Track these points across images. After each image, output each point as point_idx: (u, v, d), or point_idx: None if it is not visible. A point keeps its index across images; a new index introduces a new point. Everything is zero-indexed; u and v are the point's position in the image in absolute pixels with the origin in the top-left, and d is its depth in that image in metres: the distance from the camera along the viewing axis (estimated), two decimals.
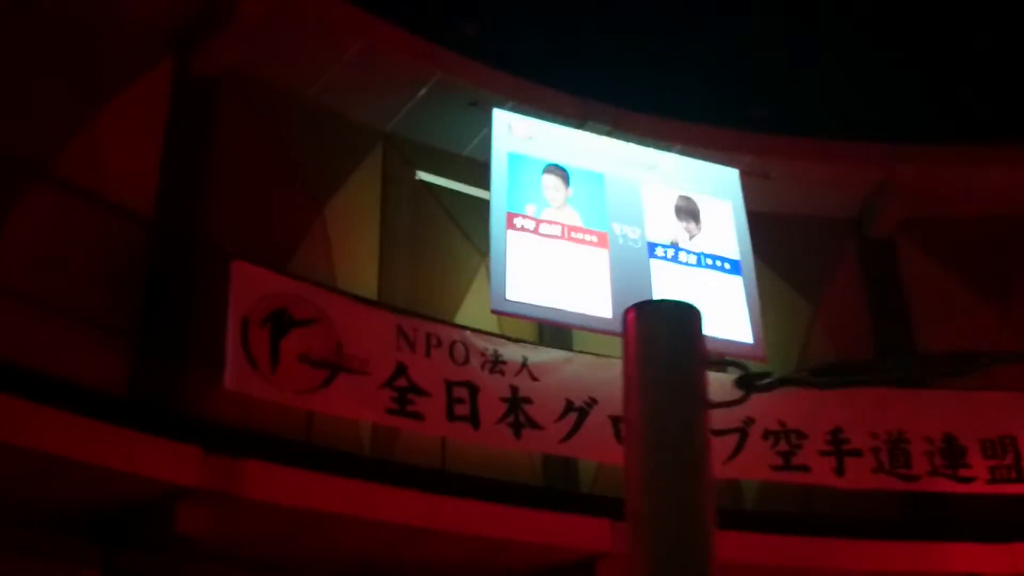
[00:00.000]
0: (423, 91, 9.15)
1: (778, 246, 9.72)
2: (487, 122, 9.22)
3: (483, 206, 9.40)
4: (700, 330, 2.34)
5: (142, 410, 6.15)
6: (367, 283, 8.54)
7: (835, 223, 10.47)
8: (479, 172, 9.46)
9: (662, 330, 2.31)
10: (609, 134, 9.18)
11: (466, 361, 7.44)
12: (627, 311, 2.41)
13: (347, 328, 7.00)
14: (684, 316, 2.36)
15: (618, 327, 7.91)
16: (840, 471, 8.07)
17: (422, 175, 9.44)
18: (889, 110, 9.92)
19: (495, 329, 8.38)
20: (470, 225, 9.33)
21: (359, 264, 8.61)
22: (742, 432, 8.03)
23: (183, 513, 5.91)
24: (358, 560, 7.00)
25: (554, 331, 8.90)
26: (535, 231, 8.16)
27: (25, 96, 6.92)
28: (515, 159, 8.43)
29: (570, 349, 8.46)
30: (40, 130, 6.93)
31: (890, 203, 10.18)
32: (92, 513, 6.00)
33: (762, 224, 9.15)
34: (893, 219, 10.25)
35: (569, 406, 7.63)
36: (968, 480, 8.14)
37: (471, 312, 8.71)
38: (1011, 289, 10.05)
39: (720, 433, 7.95)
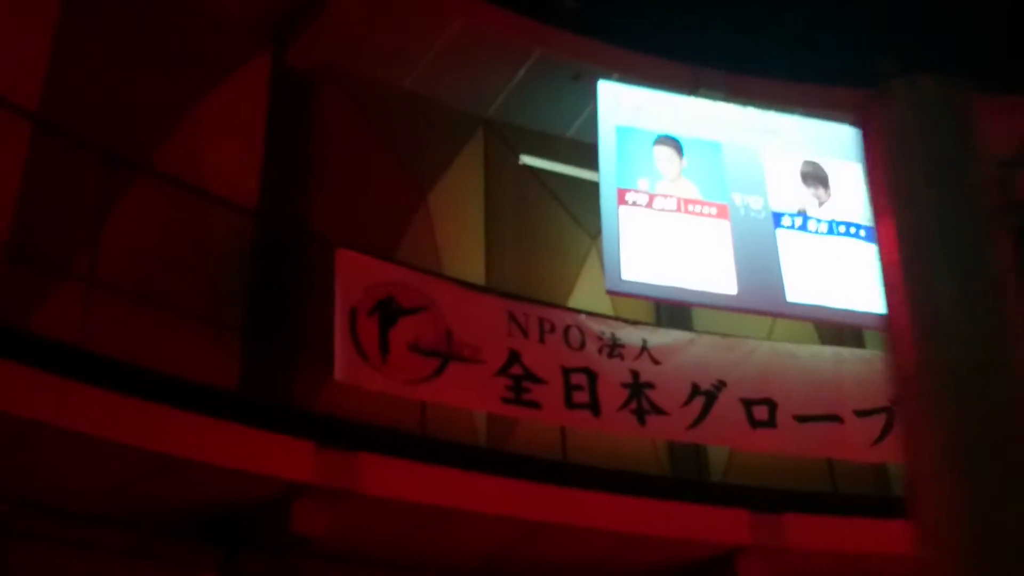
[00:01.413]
0: (523, 71, 8.80)
1: None
2: (591, 99, 8.81)
3: (590, 188, 8.99)
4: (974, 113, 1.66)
5: (254, 405, 5.94)
6: (474, 271, 8.23)
7: None
8: (584, 153, 9.05)
9: (924, 118, 1.60)
10: (723, 101, 8.62)
11: (582, 346, 7.02)
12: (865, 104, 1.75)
13: (456, 315, 6.69)
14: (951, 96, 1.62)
15: (743, 303, 7.38)
16: None
17: (525, 159, 9.08)
18: None
19: (610, 313, 7.94)
20: (578, 207, 8.91)
21: (465, 252, 8.30)
22: (891, 412, 7.35)
23: (299, 511, 5.68)
24: (480, 558, 6.65)
25: (673, 311, 8.41)
26: (648, 206, 7.68)
27: (128, 92, 6.86)
28: (624, 132, 7.97)
29: (691, 329, 7.94)
30: (143, 125, 6.85)
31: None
32: (206, 514, 5.82)
33: None
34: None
35: (695, 390, 7.13)
36: None
37: (584, 297, 8.28)
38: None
39: (864, 414, 7.36)
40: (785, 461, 7.53)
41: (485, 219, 8.61)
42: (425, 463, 6.08)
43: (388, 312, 6.44)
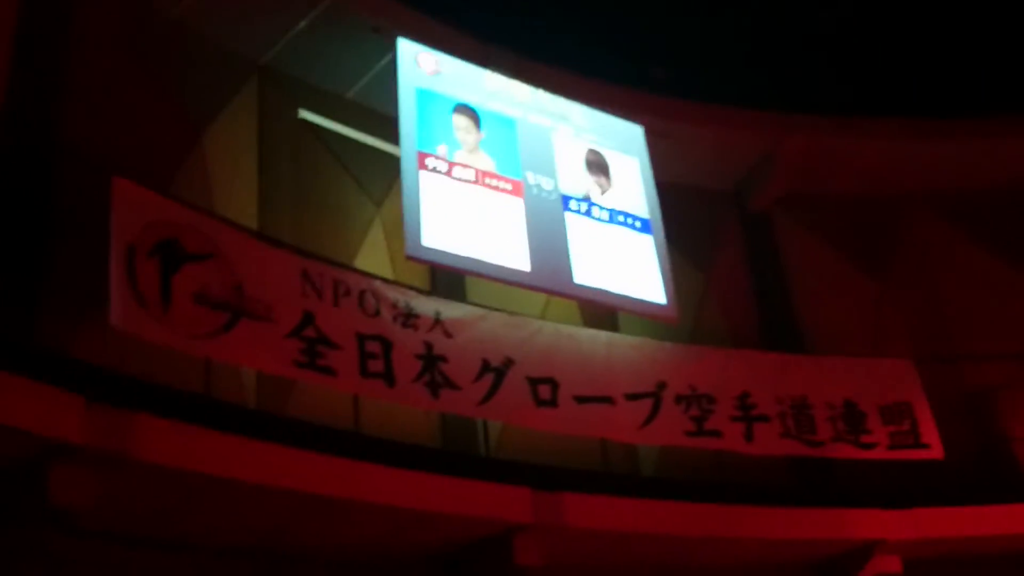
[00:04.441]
0: (307, 19, 8.16)
1: (668, 213, 9.44)
2: (376, 59, 8.45)
3: (374, 154, 8.60)
4: None
5: (2, 343, 4.88)
6: (248, 226, 7.45)
7: (718, 195, 10.37)
8: (367, 116, 8.64)
9: None
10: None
11: (377, 313, 6.58)
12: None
13: (247, 268, 5.99)
14: None
15: (536, 281, 7.36)
16: (750, 436, 7.84)
17: (304, 114, 8.44)
18: (783, 80, 9.90)
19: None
20: (361, 172, 8.43)
21: (240, 204, 7.50)
22: (656, 397, 7.65)
23: (58, 478, 4.74)
24: (258, 535, 5.99)
25: (450, 283, 8.17)
26: (448, 174, 7.41)
27: None
28: (423, 95, 7.65)
29: (465, 301, 7.74)
30: None
31: (772, 176, 10.17)
32: None
33: None
34: (774, 192, 10.26)
35: (486, 366, 6.94)
36: (870, 446, 8.15)
37: (367, 266, 7.78)
38: (890, 263, 10.30)
39: (634, 397, 7.57)
40: (553, 439, 7.55)
41: (260, 173, 7.85)
42: (210, 427, 5.35)
43: (171, 255, 5.61)
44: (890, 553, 7.82)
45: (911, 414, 8.30)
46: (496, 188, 7.59)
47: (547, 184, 7.91)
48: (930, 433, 8.17)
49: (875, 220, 10.40)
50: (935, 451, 8.10)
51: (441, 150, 7.47)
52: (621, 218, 8.29)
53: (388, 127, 7.78)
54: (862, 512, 7.87)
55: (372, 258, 7.96)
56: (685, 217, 9.52)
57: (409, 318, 6.73)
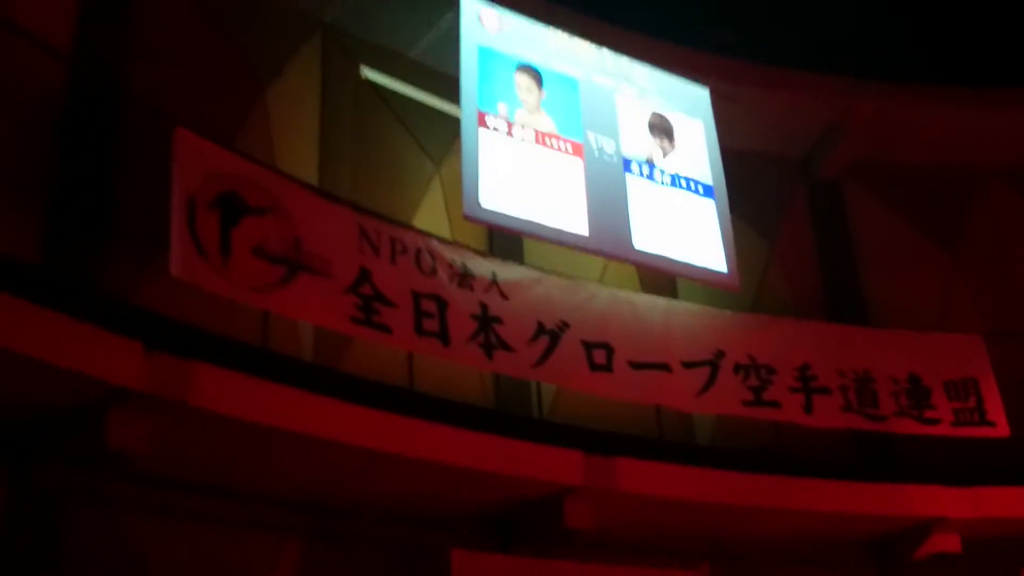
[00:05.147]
0: None
1: (733, 181, 9.24)
2: (437, 19, 8.35)
3: (434, 114, 8.56)
4: None
5: (68, 288, 4.97)
6: (308, 182, 7.48)
7: (785, 162, 10.13)
8: (428, 76, 8.57)
9: None
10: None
11: (433, 272, 6.58)
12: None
13: (306, 223, 6.02)
14: None
15: (594, 245, 7.27)
16: (809, 408, 7.71)
17: (367, 72, 8.42)
18: (855, 46, 9.59)
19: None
20: (422, 132, 8.39)
21: (301, 160, 7.52)
22: (713, 365, 7.55)
23: (116, 420, 4.83)
24: (309, 488, 6.07)
25: (505, 244, 8.13)
26: (508, 133, 7.34)
27: None
28: (485, 53, 7.58)
29: (521, 263, 7.68)
30: None
31: (841, 143, 9.89)
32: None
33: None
34: (843, 161, 9.98)
35: (541, 329, 6.90)
36: (934, 422, 7.95)
37: (425, 225, 7.75)
38: (960, 236, 9.98)
39: (691, 366, 7.48)
40: (607, 405, 7.49)
41: (322, 129, 7.86)
42: (267, 379, 5.41)
43: (231, 208, 5.66)
44: (950, 531, 7.64)
45: (977, 391, 8.06)
46: (556, 149, 7.50)
47: (608, 146, 7.79)
48: (996, 411, 7.93)
49: (946, 191, 10.07)
50: (1000, 429, 7.87)
51: (502, 109, 7.40)
52: (684, 183, 8.15)
53: (450, 87, 7.73)
54: (922, 488, 7.69)
55: (430, 218, 7.95)
56: (751, 184, 9.33)
57: (465, 278, 6.71)
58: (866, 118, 9.63)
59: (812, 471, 7.58)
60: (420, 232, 6.85)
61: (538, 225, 7.11)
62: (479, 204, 6.87)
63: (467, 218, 6.91)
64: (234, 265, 5.51)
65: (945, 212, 10.02)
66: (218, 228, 5.53)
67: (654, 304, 7.70)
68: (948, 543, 7.66)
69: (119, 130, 6.17)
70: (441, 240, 6.89)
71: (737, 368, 7.58)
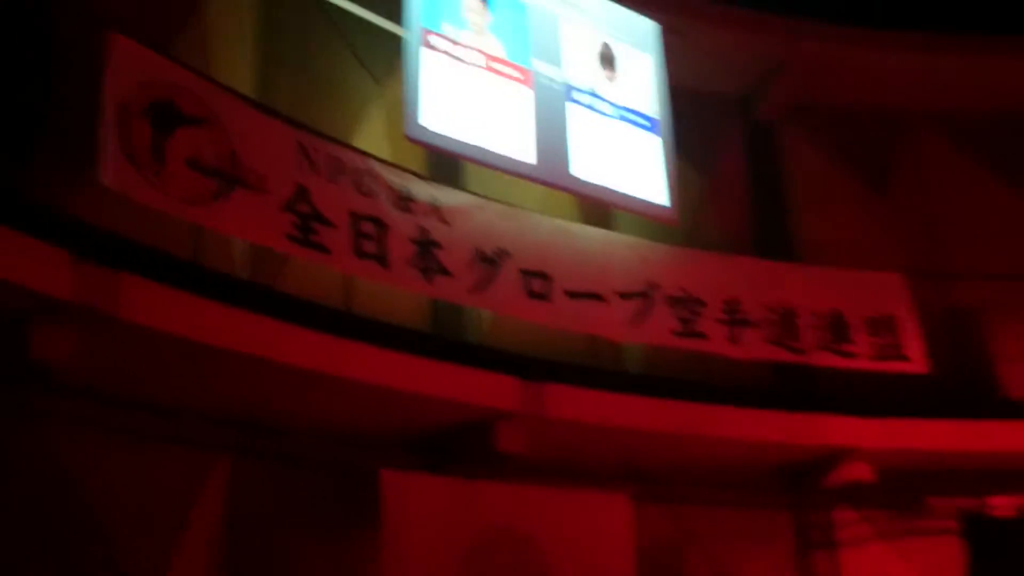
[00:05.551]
0: None
1: (673, 116, 9.24)
2: None
3: (378, 32, 8.29)
4: None
5: None
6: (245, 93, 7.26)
7: (726, 100, 10.17)
8: None
9: None
10: None
11: (373, 194, 6.47)
12: None
13: (242, 136, 5.84)
14: None
15: (541, 174, 7.25)
16: (734, 340, 7.88)
17: None
18: None
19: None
20: (364, 50, 8.16)
21: (237, 75, 7.27)
22: (647, 297, 7.63)
23: (40, 332, 4.71)
24: (239, 405, 6.02)
25: (445, 169, 8.04)
26: (454, 55, 7.19)
27: None
28: None
29: (462, 189, 7.63)
30: None
31: (782, 84, 9.96)
32: None
33: None
34: (782, 101, 10.05)
35: (480, 256, 6.87)
36: (853, 356, 8.19)
37: (364, 148, 7.62)
38: (888, 179, 10.20)
39: (626, 297, 7.56)
40: (543, 333, 7.56)
41: (259, 42, 7.60)
42: (200, 295, 5.31)
43: (165, 117, 5.45)
44: (862, 461, 7.96)
45: (896, 327, 8.32)
46: (504, 75, 7.39)
47: (555, 74, 7.71)
48: (914, 347, 8.21)
49: (879, 136, 10.25)
50: (917, 365, 8.15)
51: (448, 30, 7.25)
52: (628, 115, 8.13)
53: (395, 5, 7.52)
54: (838, 419, 7.97)
55: (370, 139, 7.79)
56: (691, 121, 9.32)
57: (406, 202, 6.63)
58: (808, 59, 9.68)
59: (734, 400, 7.81)
60: (360, 152, 6.71)
61: (485, 151, 7.04)
62: (421, 125, 6.76)
63: (411, 139, 6.80)
64: (167, 176, 5.33)
65: (875, 155, 10.21)
66: (151, 137, 5.32)
67: (593, 235, 7.74)
68: (859, 472, 7.97)
69: (51, 36, 5.88)
70: (382, 162, 6.78)
71: (669, 300, 7.69)
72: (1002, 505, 8.43)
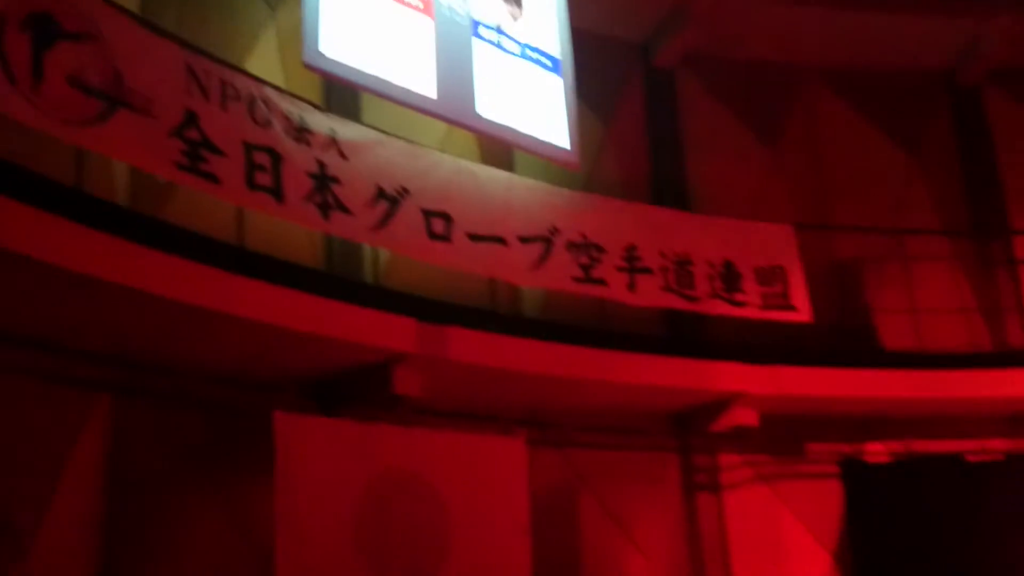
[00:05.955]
0: None
1: (575, 59, 9.15)
2: None
3: None
4: None
5: None
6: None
7: (626, 46, 10.15)
8: None
9: None
10: None
11: (268, 123, 6.14)
12: None
13: (127, 55, 5.41)
14: None
15: (442, 110, 7.02)
16: (632, 287, 7.93)
17: None
18: None
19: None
20: None
21: None
22: (547, 242, 7.58)
23: None
24: (123, 341, 5.70)
25: (342, 100, 7.74)
26: None
27: None
28: None
29: (359, 122, 7.35)
30: None
31: (681, 31, 9.98)
32: None
33: None
34: (680, 49, 10.10)
35: (380, 193, 6.65)
36: (742, 304, 8.39)
37: (257, 75, 7.25)
38: (781, 132, 10.41)
39: (527, 241, 7.49)
40: (441, 275, 7.43)
41: None
42: (81, 223, 4.95)
43: (44, 30, 5.00)
44: (748, 407, 8.21)
45: (784, 278, 8.55)
46: (406, 4, 7.11)
47: (459, 7, 7.47)
48: (800, 297, 8.46)
49: (772, 88, 10.44)
50: (803, 314, 8.41)
51: None
52: (532, 54, 7.98)
53: None
54: (726, 365, 8.20)
55: (263, 65, 7.39)
56: (592, 65, 9.24)
57: (302, 133, 6.32)
58: (706, 6, 9.72)
59: (630, 346, 7.90)
60: (254, 78, 6.34)
61: (385, 82, 6.76)
62: (320, 52, 6.44)
63: (308, 66, 6.46)
64: (46, 93, 4.90)
65: (769, 108, 10.40)
66: (29, 51, 4.88)
67: (496, 177, 7.60)
68: (745, 416, 8.23)
69: None
70: (277, 89, 6.44)
71: (569, 246, 7.65)
72: (877, 451, 8.88)
